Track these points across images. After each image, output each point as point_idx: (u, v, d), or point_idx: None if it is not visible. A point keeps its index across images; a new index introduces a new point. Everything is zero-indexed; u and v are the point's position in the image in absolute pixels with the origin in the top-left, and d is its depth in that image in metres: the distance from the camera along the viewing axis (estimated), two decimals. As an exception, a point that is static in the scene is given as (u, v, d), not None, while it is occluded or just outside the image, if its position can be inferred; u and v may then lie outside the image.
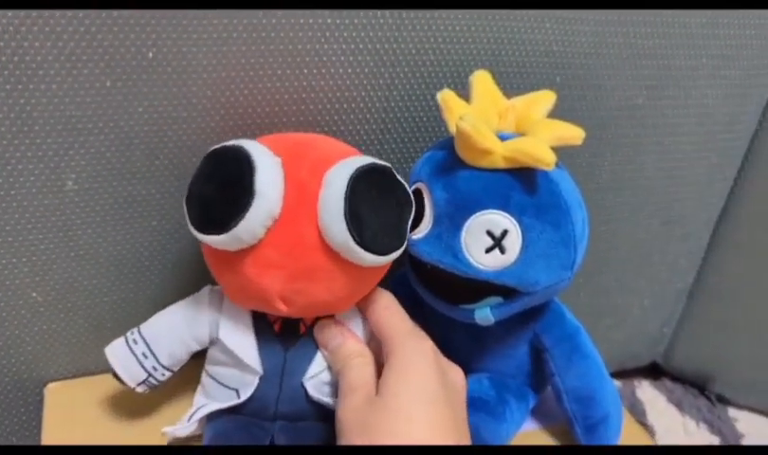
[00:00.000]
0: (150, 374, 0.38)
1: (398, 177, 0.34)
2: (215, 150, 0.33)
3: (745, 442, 0.67)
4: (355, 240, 0.31)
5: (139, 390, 0.38)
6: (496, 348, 0.42)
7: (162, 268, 0.43)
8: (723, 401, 0.71)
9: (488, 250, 0.34)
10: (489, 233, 0.34)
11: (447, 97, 0.36)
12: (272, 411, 0.37)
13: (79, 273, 0.41)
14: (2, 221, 0.38)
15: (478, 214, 0.34)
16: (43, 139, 0.36)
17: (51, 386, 0.44)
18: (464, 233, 0.34)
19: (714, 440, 0.67)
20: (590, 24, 0.45)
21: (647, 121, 0.51)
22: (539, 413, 0.46)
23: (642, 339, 0.68)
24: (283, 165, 0.33)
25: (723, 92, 0.52)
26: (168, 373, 0.39)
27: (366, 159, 0.34)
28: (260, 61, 0.38)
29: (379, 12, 0.39)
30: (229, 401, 0.37)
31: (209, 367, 0.39)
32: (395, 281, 0.39)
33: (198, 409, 0.38)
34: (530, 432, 0.45)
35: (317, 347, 0.38)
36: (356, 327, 0.38)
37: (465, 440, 0.33)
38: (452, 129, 0.35)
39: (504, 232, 0.34)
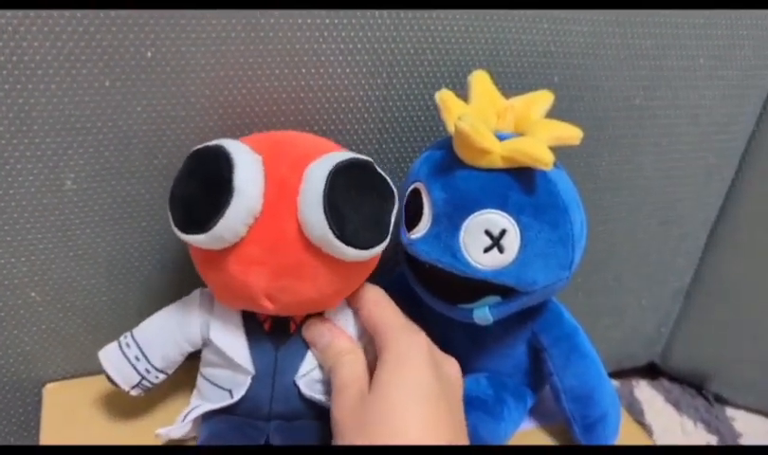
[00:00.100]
0: (143, 377, 0.38)
1: (380, 172, 0.34)
2: (197, 149, 0.33)
3: (743, 441, 0.67)
4: (335, 234, 0.31)
5: (134, 393, 0.38)
6: (494, 347, 0.42)
7: (161, 268, 0.43)
8: (721, 400, 0.71)
9: (487, 250, 0.34)
10: (488, 233, 0.34)
11: (445, 97, 0.36)
12: (266, 411, 0.37)
13: (77, 273, 0.41)
14: (0, 220, 0.38)
15: (476, 214, 0.34)
16: (41, 139, 0.36)
17: (49, 386, 0.44)
18: (462, 233, 0.34)
19: (711, 439, 0.67)
20: (587, 24, 0.45)
21: (644, 121, 0.51)
22: (537, 413, 0.46)
23: (640, 339, 0.68)
24: (263, 163, 0.33)
25: (721, 92, 0.52)
26: (162, 376, 0.39)
27: (347, 154, 0.34)
28: (258, 60, 0.38)
29: (377, 12, 0.39)
30: (223, 401, 0.37)
31: (203, 369, 0.39)
32: (392, 280, 0.39)
33: (192, 409, 0.38)
34: (528, 432, 0.45)
35: (307, 345, 0.38)
36: (347, 323, 0.38)
37: (461, 433, 0.33)
38: (451, 129, 0.35)
39: (503, 232, 0.34)
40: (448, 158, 0.36)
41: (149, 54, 0.36)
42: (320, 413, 0.38)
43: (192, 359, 0.39)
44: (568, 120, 0.36)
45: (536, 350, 0.42)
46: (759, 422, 0.69)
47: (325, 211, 0.31)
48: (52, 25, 0.33)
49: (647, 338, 0.69)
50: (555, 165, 0.35)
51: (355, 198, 0.32)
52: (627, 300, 0.63)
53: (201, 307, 0.38)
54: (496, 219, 0.34)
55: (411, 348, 0.34)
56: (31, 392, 0.44)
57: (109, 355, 0.38)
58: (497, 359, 0.43)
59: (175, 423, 0.37)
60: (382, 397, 0.32)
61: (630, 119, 0.50)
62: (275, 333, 0.37)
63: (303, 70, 0.39)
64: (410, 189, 0.37)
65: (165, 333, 0.38)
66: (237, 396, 0.37)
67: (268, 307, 0.34)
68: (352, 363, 0.35)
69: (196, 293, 0.39)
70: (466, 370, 0.38)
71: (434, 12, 0.40)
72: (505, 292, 0.36)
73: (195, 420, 0.38)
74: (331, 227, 0.31)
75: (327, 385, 0.37)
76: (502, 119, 0.38)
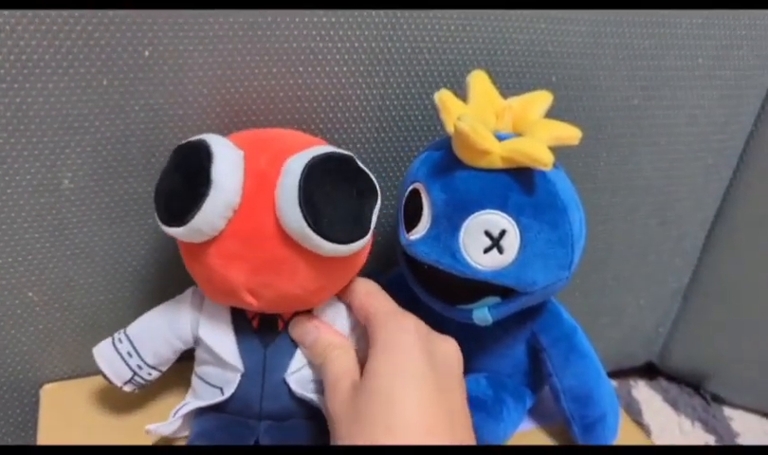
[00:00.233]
0: (135, 373, 0.38)
1: (361, 167, 0.34)
2: (180, 144, 0.33)
3: (740, 441, 0.67)
4: (310, 226, 0.31)
5: (127, 389, 0.39)
6: (493, 348, 0.42)
7: (158, 267, 0.43)
8: (719, 400, 0.71)
9: (486, 250, 0.34)
10: (487, 233, 0.34)
11: (444, 97, 0.36)
12: (257, 409, 0.37)
13: (75, 272, 0.41)
14: (-3, 220, 0.38)
15: (476, 214, 0.34)
16: (39, 138, 0.36)
17: (47, 387, 0.44)
18: (462, 233, 0.34)
19: (709, 439, 0.67)
20: (585, 24, 0.45)
21: (643, 121, 0.51)
22: (536, 413, 0.46)
23: (638, 339, 0.68)
24: (244, 158, 0.33)
25: (719, 93, 0.52)
26: (155, 373, 0.39)
27: (327, 148, 0.34)
28: (255, 59, 0.38)
29: (374, 12, 0.39)
30: (214, 399, 0.37)
31: (197, 368, 0.39)
32: (391, 281, 0.39)
33: (182, 406, 0.38)
34: (527, 432, 0.45)
35: (296, 343, 0.38)
36: (338, 319, 0.38)
37: (457, 413, 0.33)
38: (450, 129, 0.35)
39: (503, 232, 0.34)
40: (447, 159, 0.36)
41: (146, 53, 0.36)
42: (311, 413, 0.38)
43: (188, 360, 0.39)
44: (566, 120, 0.36)
45: (535, 350, 0.42)
46: (757, 421, 0.70)
47: (300, 203, 0.31)
48: (50, 23, 0.33)
49: (645, 338, 0.69)
50: (554, 165, 0.35)
51: (331, 192, 0.32)
52: (625, 299, 0.63)
53: (192, 304, 0.38)
54: (496, 220, 0.34)
55: (399, 332, 0.33)
56: (29, 393, 0.44)
57: (102, 351, 0.38)
58: (496, 359, 0.43)
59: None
60: (373, 385, 0.31)
61: (628, 119, 0.50)
62: (263, 330, 0.37)
63: (301, 69, 0.39)
64: (408, 189, 0.37)
65: (157, 329, 0.38)
66: (227, 394, 0.37)
67: (252, 303, 0.34)
68: (341, 357, 0.35)
69: (189, 291, 0.39)
70: (465, 370, 0.37)
71: (431, 12, 0.40)
72: (505, 293, 0.36)
73: (187, 417, 0.38)
74: (306, 219, 0.31)
75: (318, 383, 0.37)
76: (500, 120, 0.38)
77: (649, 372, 0.74)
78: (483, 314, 0.37)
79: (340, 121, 0.42)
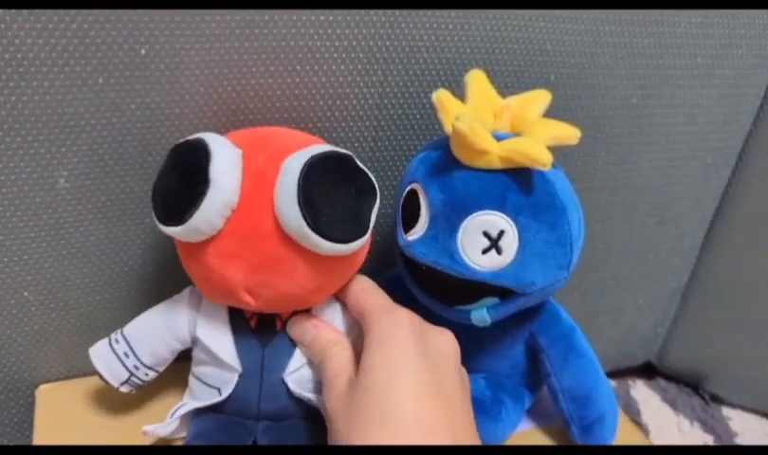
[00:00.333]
0: (132, 373, 0.38)
1: (360, 166, 0.34)
2: (178, 143, 0.33)
3: (739, 441, 0.67)
4: (309, 225, 0.31)
5: (123, 389, 0.38)
6: (492, 348, 0.42)
7: (155, 266, 0.43)
8: (717, 400, 0.71)
9: (485, 251, 0.34)
10: (486, 234, 0.34)
11: (442, 97, 0.36)
12: (255, 410, 0.37)
13: (71, 271, 0.41)
14: (-7, 219, 0.38)
15: (474, 215, 0.34)
16: (35, 137, 0.36)
17: (43, 388, 0.44)
18: (460, 234, 0.34)
19: (708, 439, 0.67)
20: (584, 23, 0.44)
21: (641, 121, 0.51)
22: (535, 413, 0.46)
23: (636, 339, 0.68)
24: (243, 157, 0.33)
25: (717, 92, 0.52)
26: (152, 373, 0.39)
27: (325, 147, 0.34)
28: (253, 57, 0.38)
29: (372, 11, 0.39)
30: (212, 399, 0.37)
31: (194, 368, 0.39)
32: (389, 281, 0.39)
33: (180, 407, 0.38)
34: (526, 432, 0.45)
35: (295, 343, 0.37)
36: (335, 319, 0.38)
37: (453, 406, 0.32)
38: (448, 129, 0.34)
39: (501, 233, 0.34)
40: (445, 159, 0.36)
41: (143, 51, 0.35)
42: (309, 413, 0.38)
43: (185, 361, 0.39)
44: (564, 120, 0.36)
45: (533, 350, 0.42)
46: (755, 421, 0.70)
47: (299, 202, 0.31)
48: (45, 22, 0.33)
49: (644, 338, 0.69)
50: (552, 165, 0.35)
51: (329, 190, 0.32)
52: (624, 299, 0.63)
53: (189, 304, 0.38)
54: (494, 220, 0.34)
55: (393, 327, 0.33)
56: (24, 394, 0.44)
57: (99, 352, 0.38)
58: (495, 360, 0.42)
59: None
60: (368, 380, 0.31)
61: (627, 119, 0.50)
62: (261, 330, 0.37)
63: (298, 68, 0.39)
64: (406, 189, 0.37)
65: (154, 329, 0.38)
66: (225, 394, 0.36)
67: (250, 302, 0.34)
68: (339, 353, 0.35)
69: (186, 291, 0.39)
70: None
71: (429, 11, 0.40)
72: (504, 293, 0.36)
73: (184, 418, 0.38)
74: (305, 218, 0.31)
75: (317, 383, 0.37)
76: (499, 119, 0.38)
77: (648, 371, 0.73)
78: (481, 315, 0.36)
79: (338, 120, 0.42)
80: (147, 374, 0.38)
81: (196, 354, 0.39)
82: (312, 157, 0.32)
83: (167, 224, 0.32)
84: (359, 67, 0.40)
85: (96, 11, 0.34)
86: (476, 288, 0.35)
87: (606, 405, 0.42)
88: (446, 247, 0.35)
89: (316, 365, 0.37)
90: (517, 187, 0.34)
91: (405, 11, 0.39)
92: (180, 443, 0.38)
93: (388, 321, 0.34)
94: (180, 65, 0.37)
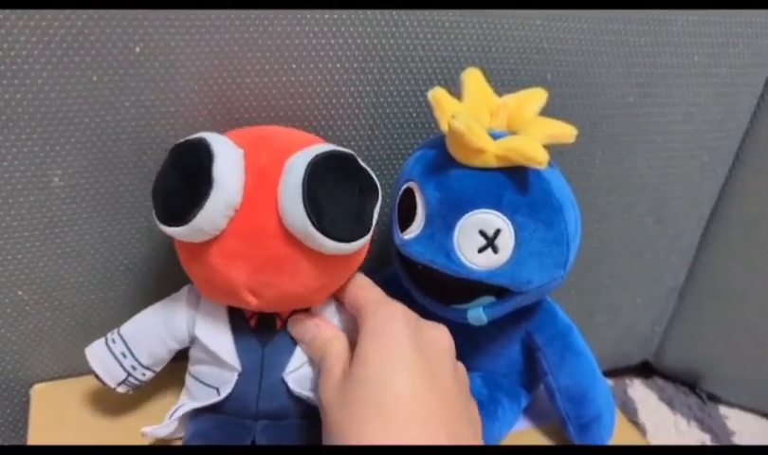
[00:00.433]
0: (129, 374, 0.38)
1: (362, 165, 0.34)
2: (179, 142, 0.33)
3: (736, 440, 0.67)
4: (313, 224, 0.31)
5: (120, 390, 0.38)
6: (488, 347, 0.42)
7: (151, 265, 0.43)
8: (714, 399, 0.71)
9: (481, 250, 0.34)
10: (482, 233, 0.34)
11: (438, 95, 0.35)
12: (254, 410, 0.37)
13: (65, 270, 0.41)
14: (-14, 218, 0.37)
15: (470, 214, 0.34)
16: (28, 135, 0.36)
17: (37, 387, 0.44)
18: (456, 233, 0.34)
19: (705, 438, 0.67)
20: (580, 21, 0.44)
21: (638, 119, 0.51)
22: (531, 412, 0.46)
23: (633, 338, 0.68)
24: (244, 156, 0.33)
25: (714, 91, 0.52)
26: (149, 373, 0.38)
27: (328, 146, 0.33)
28: (248, 56, 0.38)
29: (369, 10, 0.39)
30: (210, 399, 0.37)
31: (191, 367, 0.39)
32: (386, 280, 0.39)
33: (178, 407, 0.38)
34: (523, 431, 0.45)
35: (295, 341, 0.37)
36: (333, 318, 0.38)
37: (448, 399, 0.32)
38: (444, 128, 0.34)
39: (497, 232, 0.34)
40: (441, 157, 0.36)
41: (137, 49, 0.35)
42: (308, 412, 0.38)
43: (182, 360, 0.39)
44: (561, 118, 0.36)
45: (530, 349, 0.42)
46: (753, 420, 0.70)
47: (304, 202, 0.31)
48: (39, 19, 0.33)
49: (641, 337, 0.69)
50: (549, 163, 0.35)
51: (333, 190, 0.32)
52: (621, 298, 0.63)
53: (188, 303, 0.38)
54: (490, 219, 0.34)
55: (388, 320, 0.33)
56: (19, 394, 0.44)
57: (95, 352, 0.38)
58: (491, 359, 0.42)
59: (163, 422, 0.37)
60: (362, 372, 0.31)
61: (623, 117, 0.50)
62: (261, 329, 0.37)
63: (294, 66, 0.39)
64: (402, 188, 0.37)
65: (151, 329, 0.38)
66: (224, 394, 0.36)
67: (252, 302, 0.34)
68: (336, 346, 0.35)
69: (184, 290, 0.39)
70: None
71: (426, 10, 0.40)
72: (500, 292, 0.36)
73: (183, 418, 0.38)
74: (309, 218, 0.31)
75: (317, 381, 0.37)
76: (495, 118, 0.38)
77: (645, 370, 0.74)
78: (477, 313, 0.36)
79: (334, 119, 0.42)
80: (144, 374, 0.38)
81: (194, 353, 0.38)
82: (316, 156, 0.32)
83: (169, 224, 0.32)
84: (356, 66, 0.40)
85: (90, 9, 0.33)
86: (472, 287, 0.35)
87: (603, 404, 0.42)
88: (442, 246, 0.35)
89: (317, 362, 0.36)
90: (513, 185, 0.34)
91: (401, 10, 0.39)
92: (178, 442, 0.38)
93: (383, 315, 0.34)
94: (175, 63, 0.36)
